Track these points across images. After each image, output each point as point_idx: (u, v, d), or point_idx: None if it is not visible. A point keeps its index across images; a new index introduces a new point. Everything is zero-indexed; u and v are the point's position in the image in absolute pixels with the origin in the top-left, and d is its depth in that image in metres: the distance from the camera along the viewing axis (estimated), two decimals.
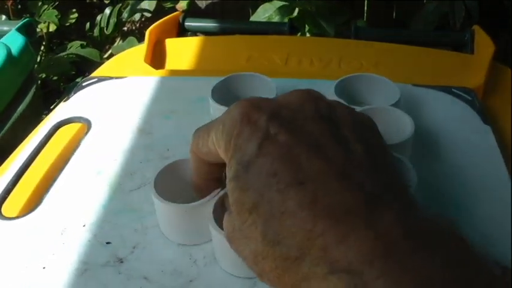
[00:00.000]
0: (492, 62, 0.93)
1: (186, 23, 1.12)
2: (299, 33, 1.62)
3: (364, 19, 1.89)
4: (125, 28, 2.37)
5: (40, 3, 1.94)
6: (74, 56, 1.94)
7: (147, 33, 1.00)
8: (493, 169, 0.67)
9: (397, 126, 0.66)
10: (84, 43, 2.05)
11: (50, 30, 2.20)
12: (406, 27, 1.80)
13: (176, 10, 2.16)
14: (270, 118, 0.36)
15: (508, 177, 0.65)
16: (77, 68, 2.09)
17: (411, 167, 0.58)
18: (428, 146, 0.70)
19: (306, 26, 1.62)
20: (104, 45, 2.08)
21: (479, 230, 0.58)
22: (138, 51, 0.98)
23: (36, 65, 2.08)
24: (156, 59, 0.99)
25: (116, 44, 2.08)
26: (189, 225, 0.56)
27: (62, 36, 2.38)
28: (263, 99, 0.39)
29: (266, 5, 1.65)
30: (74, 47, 2.08)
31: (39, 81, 2.05)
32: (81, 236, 0.61)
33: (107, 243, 0.60)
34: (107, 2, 2.14)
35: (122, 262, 0.57)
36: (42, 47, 2.25)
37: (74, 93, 0.85)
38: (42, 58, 2.18)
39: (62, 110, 0.82)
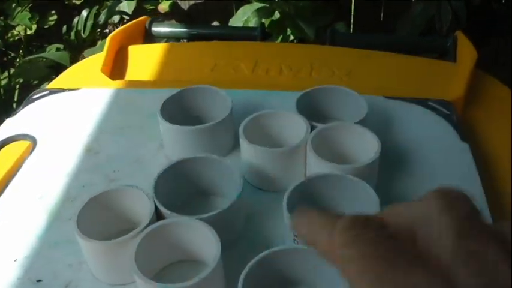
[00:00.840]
0: (474, 71, 0.86)
1: (153, 29, 1.05)
2: (280, 38, 1.56)
3: (351, 21, 1.83)
4: (107, 30, 2.30)
5: (14, 5, 1.87)
6: (46, 59, 1.86)
7: (107, 40, 0.94)
8: (469, 192, 0.60)
9: (362, 146, 0.60)
10: (61, 46, 1.98)
11: (28, 33, 2.14)
12: (393, 30, 1.74)
13: (159, 12, 2.10)
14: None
15: (485, 202, 0.59)
16: (57, 73, 2.02)
17: (373, 194, 0.52)
18: (399, 165, 0.64)
19: (288, 29, 1.56)
20: (81, 49, 2.02)
21: None
22: (97, 59, 0.92)
23: (13, 69, 2.02)
24: (117, 67, 0.92)
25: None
26: (113, 263, 0.50)
27: (42, 39, 2.31)
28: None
29: (246, 7, 1.58)
30: (52, 51, 2.01)
31: (17, 86, 1.99)
32: (11, 273, 0.55)
33: (38, 281, 0.54)
34: (78, 2, 2.08)
35: None
36: (20, 51, 2.18)
37: (23, 108, 0.79)
38: (21, 62, 2.12)
39: (8, 126, 0.76)
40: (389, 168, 0.63)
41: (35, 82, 2.12)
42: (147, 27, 1.05)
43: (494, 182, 0.65)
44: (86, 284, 0.53)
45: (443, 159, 0.65)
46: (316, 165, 0.57)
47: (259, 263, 0.47)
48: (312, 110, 0.66)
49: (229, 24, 1.58)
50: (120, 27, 1.02)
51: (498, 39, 1.80)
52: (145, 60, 0.94)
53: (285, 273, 0.49)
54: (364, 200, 0.53)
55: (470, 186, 0.61)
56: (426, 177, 0.63)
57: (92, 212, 0.53)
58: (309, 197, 0.55)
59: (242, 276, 0.46)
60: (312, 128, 0.61)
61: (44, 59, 1.98)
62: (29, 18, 1.81)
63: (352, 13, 1.85)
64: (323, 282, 0.49)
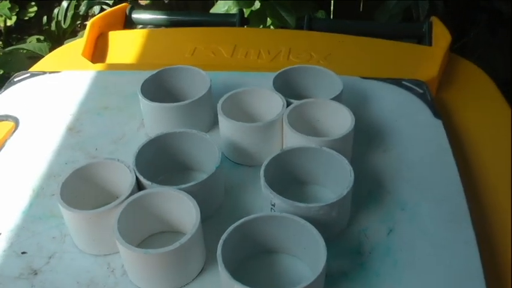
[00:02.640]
0: (448, 54, 0.89)
1: (133, 15, 1.06)
2: (261, 27, 1.57)
3: (331, 11, 1.85)
4: (87, 22, 2.30)
5: None
6: (26, 50, 1.86)
7: (88, 25, 0.95)
8: (442, 166, 0.63)
9: (337, 120, 0.62)
10: (42, 37, 1.98)
11: (8, 24, 2.13)
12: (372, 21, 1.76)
13: (140, 4, 2.10)
14: None
15: (457, 176, 0.61)
16: None
17: (347, 164, 0.55)
18: (374, 140, 0.66)
19: (268, 19, 1.57)
20: (62, 40, 2.02)
21: (422, 229, 0.55)
22: (78, 44, 0.93)
23: None
24: (98, 52, 0.93)
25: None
26: (96, 233, 0.52)
27: (22, 30, 2.30)
28: None
29: None
30: (33, 42, 2.01)
31: None
32: None
33: (23, 253, 0.55)
34: None
35: (36, 274, 0.52)
36: (0, 42, 2.17)
37: (4, 90, 0.80)
38: (1, 53, 2.11)
39: None
40: (365, 143, 0.65)
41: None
42: (128, 13, 1.06)
43: (467, 156, 0.68)
44: (69, 255, 0.54)
45: (417, 133, 0.67)
46: (292, 139, 0.59)
47: (238, 229, 0.49)
48: (288, 88, 0.67)
49: None
50: (101, 14, 1.03)
51: (476, 32, 1.82)
52: (125, 45, 0.95)
53: (262, 240, 0.51)
54: (339, 171, 0.55)
55: (442, 159, 0.63)
56: (400, 151, 0.65)
57: (75, 185, 0.54)
58: (285, 168, 0.57)
59: (221, 242, 0.47)
60: (288, 104, 0.63)
61: (25, 51, 1.98)
62: (8, 8, 1.80)
63: (332, 3, 1.87)
64: (299, 249, 0.51)
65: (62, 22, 1.84)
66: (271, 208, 0.53)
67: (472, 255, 0.52)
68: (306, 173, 0.58)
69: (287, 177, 0.58)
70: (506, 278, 0.54)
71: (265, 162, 0.55)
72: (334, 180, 0.56)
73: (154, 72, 0.69)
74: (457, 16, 1.73)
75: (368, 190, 0.59)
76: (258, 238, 0.51)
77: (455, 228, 0.55)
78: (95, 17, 0.99)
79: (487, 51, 1.74)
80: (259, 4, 1.56)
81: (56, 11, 1.89)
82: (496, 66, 1.70)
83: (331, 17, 1.86)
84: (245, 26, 1.08)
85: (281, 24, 1.54)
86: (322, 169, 0.57)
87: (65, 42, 1.84)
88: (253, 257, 0.52)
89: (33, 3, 2.24)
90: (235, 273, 0.45)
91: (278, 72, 0.69)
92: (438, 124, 0.69)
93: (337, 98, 0.64)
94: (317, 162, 0.57)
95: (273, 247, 0.52)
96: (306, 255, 0.51)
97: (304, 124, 0.61)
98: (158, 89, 0.68)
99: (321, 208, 0.50)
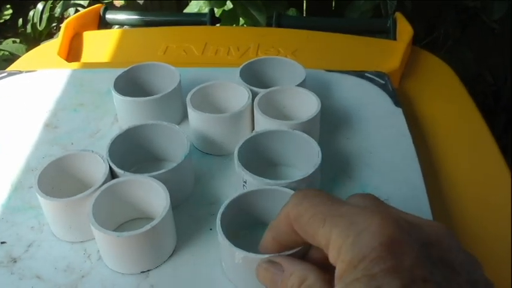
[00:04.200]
0: (410, 47, 0.93)
1: (107, 16, 1.09)
2: (234, 25, 1.60)
3: (304, 9, 1.88)
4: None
5: None
6: (3, 52, 1.88)
7: (62, 26, 0.98)
8: (402, 151, 0.66)
9: (304, 105, 0.66)
10: (17, 40, 2.00)
11: None
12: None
13: (114, 6, 2.12)
14: (418, 260, 0.31)
15: (416, 159, 0.65)
16: None
17: (315, 144, 0.58)
18: (337, 128, 0.70)
19: (241, 19, 1.61)
20: (38, 42, 2.03)
21: None
22: (53, 45, 0.96)
23: None
24: (73, 52, 0.96)
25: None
26: (72, 221, 0.55)
27: None
28: (410, 224, 0.34)
29: None
30: (9, 44, 2.03)
31: None
32: None
33: (2, 243, 0.57)
34: None
35: (15, 262, 0.55)
36: None
37: None
38: None
39: None
40: (328, 131, 0.69)
41: None
42: (102, 14, 1.09)
43: (425, 141, 0.72)
44: (47, 243, 0.57)
45: (378, 121, 0.71)
46: (263, 123, 0.62)
47: (234, 202, 0.52)
48: (254, 79, 0.71)
49: None
50: (75, 14, 1.05)
51: (445, 27, 1.87)
52: (100, 45, 0.98)
53: (255, 212, 0.55)
54: (308, 152, 0.59)
55: (402, 144, 0.67)
56: (362, 137, 0.68)
57: (51, 175, 0.57)
58: (258, 151, 0.61)
59: (219, 216, 0.50)
60: (255, 94, 0.66)
61: (1, 52, 2.00)
62: None
63: (305, 2, 1.91)
64: None
65: (38, 24, 1.86)
66: (243, 185, 0.56)
67: None
68: (277, 155, 0.62)
69: (260, 159, 0.61)
70: None
71: (239, 144, 0.58)
72: (304, 162, 0.59)
73: (126, 69, 0.72)
74: (427, 12, 1.78)
75: (332, 175, 0.63)
76: (251, 210, 0.54)
77: (414, 208, 0.58)
78: (69, 18, 1.01)
79: (456, 47, 1.78)
80: (231, 4, 1.60)
81: (31, 13, 1.91)
82: (465, 60, 1.75)
83: (304, 14, 1.89)
84: (217, 25, 1.11)
85: (253, 24, 1.57)
86: (292, 151, 0.61)
87: (41, 44, 1.86)
88: (246, 229, 0.55)
89: (8, 5, 2.25)
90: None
91: (243, 64, 0.72)
92: (398, 112, 0.72)
93: (301, 86, 0.68)
94: (288, 145, 0.61)
95: (265, 219, 0.55)
96: None
97: (273, 110, 0.65)
98: (130, 84, 0.71)
99: (289, 185, 0.54)
